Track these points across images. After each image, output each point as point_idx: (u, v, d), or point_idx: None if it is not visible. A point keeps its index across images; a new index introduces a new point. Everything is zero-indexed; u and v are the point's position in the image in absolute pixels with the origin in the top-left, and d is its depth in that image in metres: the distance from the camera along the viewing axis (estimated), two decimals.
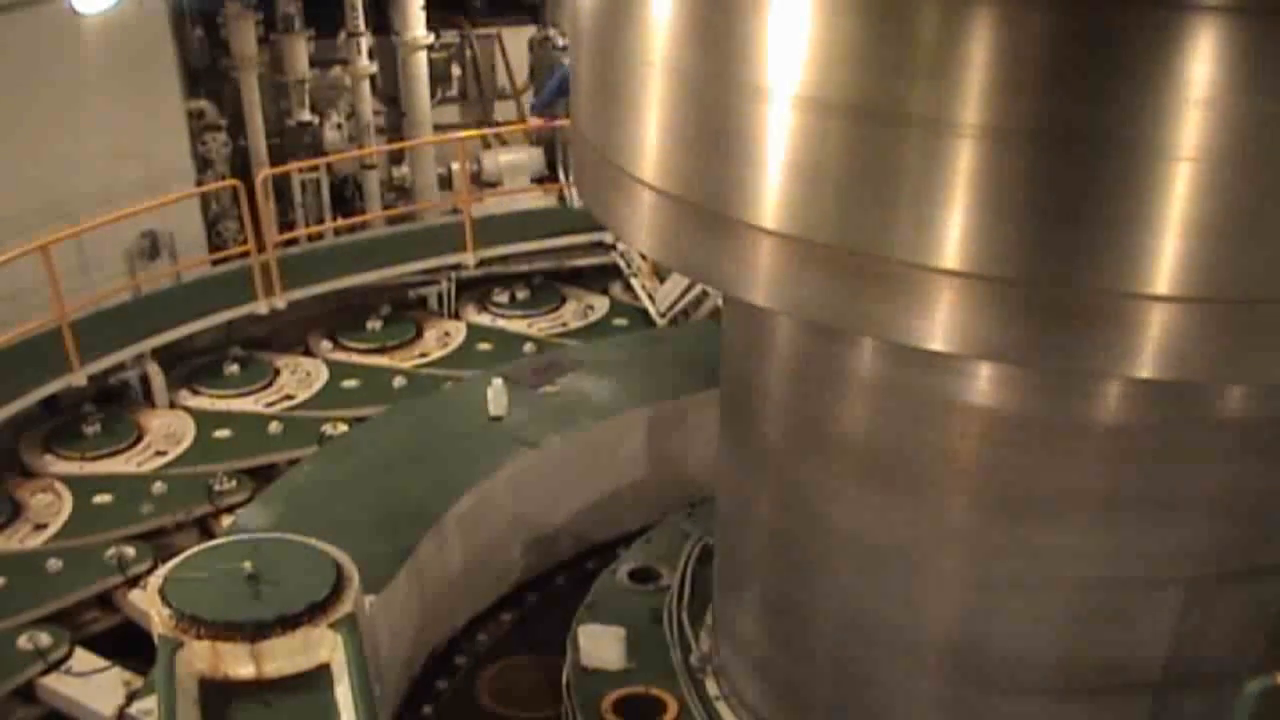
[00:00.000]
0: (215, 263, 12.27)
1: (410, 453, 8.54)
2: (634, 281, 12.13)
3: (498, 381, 9.00)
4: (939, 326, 3.88)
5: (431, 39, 14.83)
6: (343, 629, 5.76)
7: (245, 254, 11.26)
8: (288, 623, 5.72)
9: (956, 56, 3.54)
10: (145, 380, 10.47)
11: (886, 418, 5.01)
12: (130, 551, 8.48)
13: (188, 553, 6.30)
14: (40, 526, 8.93)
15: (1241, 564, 4.93)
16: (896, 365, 4.85)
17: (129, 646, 7.89)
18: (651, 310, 11.63)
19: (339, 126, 15.13)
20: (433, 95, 15.37)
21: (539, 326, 11.88)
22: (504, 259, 12.30)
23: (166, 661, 5.64)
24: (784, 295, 4.22)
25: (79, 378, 9.86)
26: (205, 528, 9.09)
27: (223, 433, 10.06)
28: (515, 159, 15.73)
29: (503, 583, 8.63)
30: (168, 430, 10.10)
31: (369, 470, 8.37)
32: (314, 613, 5.78)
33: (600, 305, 12.24)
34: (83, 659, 7.72)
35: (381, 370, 11.05)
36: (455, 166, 14.44)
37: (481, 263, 12.12)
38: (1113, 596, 5.00)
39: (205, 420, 10.24)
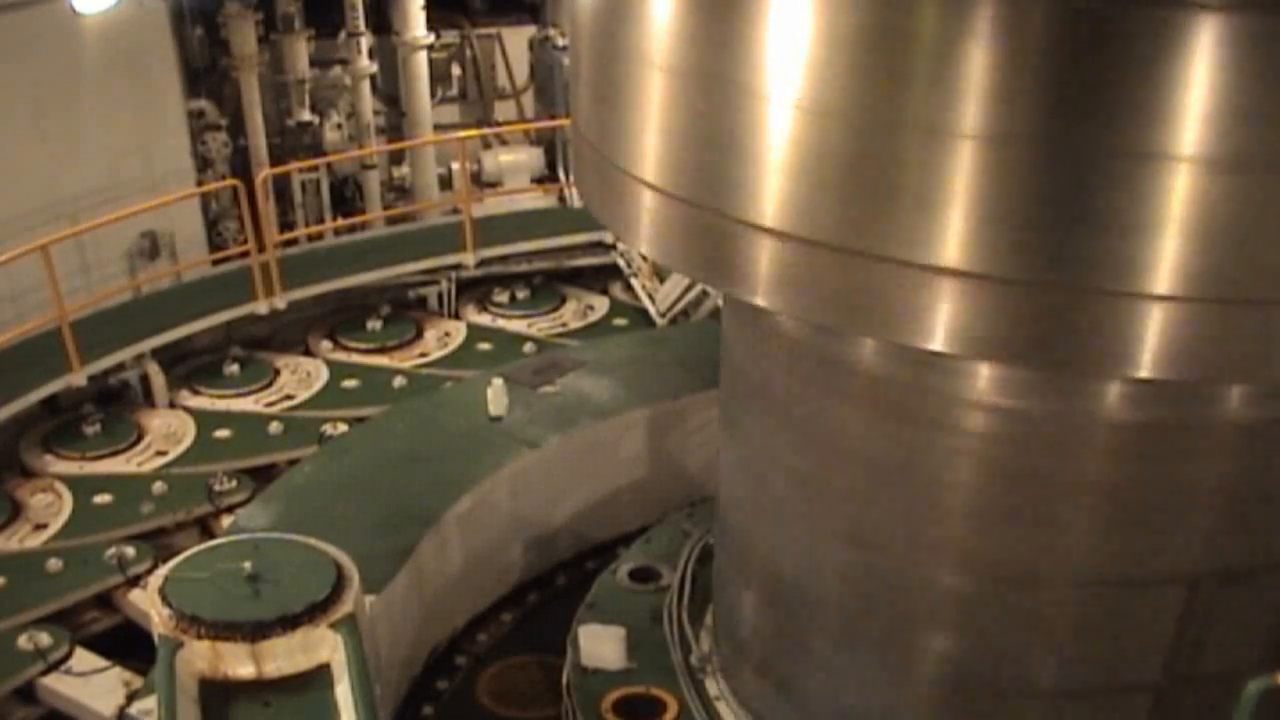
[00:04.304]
0: (215, 263, 12.27)
1: (410, 453, 8.53)
2: (634, 281, 12.13)
3: (498, 381, 8.99)
4: (939, 326, 3.89)
5: (431, 39, 14.83)
6: (343, 629, 5.76)
7: (245, 254, 11.26)
8: (288, 623, 5.72)
9: (956, 59, 3.55)
10: (145, 380, 10.47)
11: (886, 417, 5.01)
12: (130, 551, 8.48)
13: (188, 553, 6.30)
14: (40, 526, 8.93)
15: (1242, 564, 4.93)
16: (896, 365, 4.85)
17: (129, 646, 7.88)
18: (651, 310, 11.63)
19: (339, 126, 15.13)
20: (433, 95, 15.37)
21: (539, 326, 11.88)
22: (504, 259, 12.30)
23: (166, 661, 5.64)
24: (784, 295, 4.22)
25: (79, 378, 9.86)
26: (205, 528, 9.09)
27: (223, 433, 10.06)
28: (515, 159, 15.74)
29: (503, 583, 8.63)
30: (168, 430, 10.10)
31: (369, 470, 8.36)
32: (314, 613, 5.78)
33: (600, 305, 12.25)
34: (83, 659, 7.71)
35: (381, 370, 11.05)
36: (455, 166, 14.44)
37: (481, 263, 12.12)
38: (1113, 596, 5.00)
39: (205, 420, 10.24)
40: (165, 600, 5.84)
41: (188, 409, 10.44)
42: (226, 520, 8.74)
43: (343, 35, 14.57)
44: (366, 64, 14.60)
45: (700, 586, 7.13)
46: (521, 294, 12.33)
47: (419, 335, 11.72)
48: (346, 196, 15.28)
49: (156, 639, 5.80)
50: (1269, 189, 3.47)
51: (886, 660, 5.54)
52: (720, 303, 7.91)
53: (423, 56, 14.81)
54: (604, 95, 4.71)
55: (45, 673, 7.60)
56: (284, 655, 5.74)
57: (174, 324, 10.67)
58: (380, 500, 7.98)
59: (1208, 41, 3.31)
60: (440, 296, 12.15)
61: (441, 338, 11.69)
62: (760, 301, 4.29)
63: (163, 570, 6.14)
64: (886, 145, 3.75)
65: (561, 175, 15.39)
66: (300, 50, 14.62)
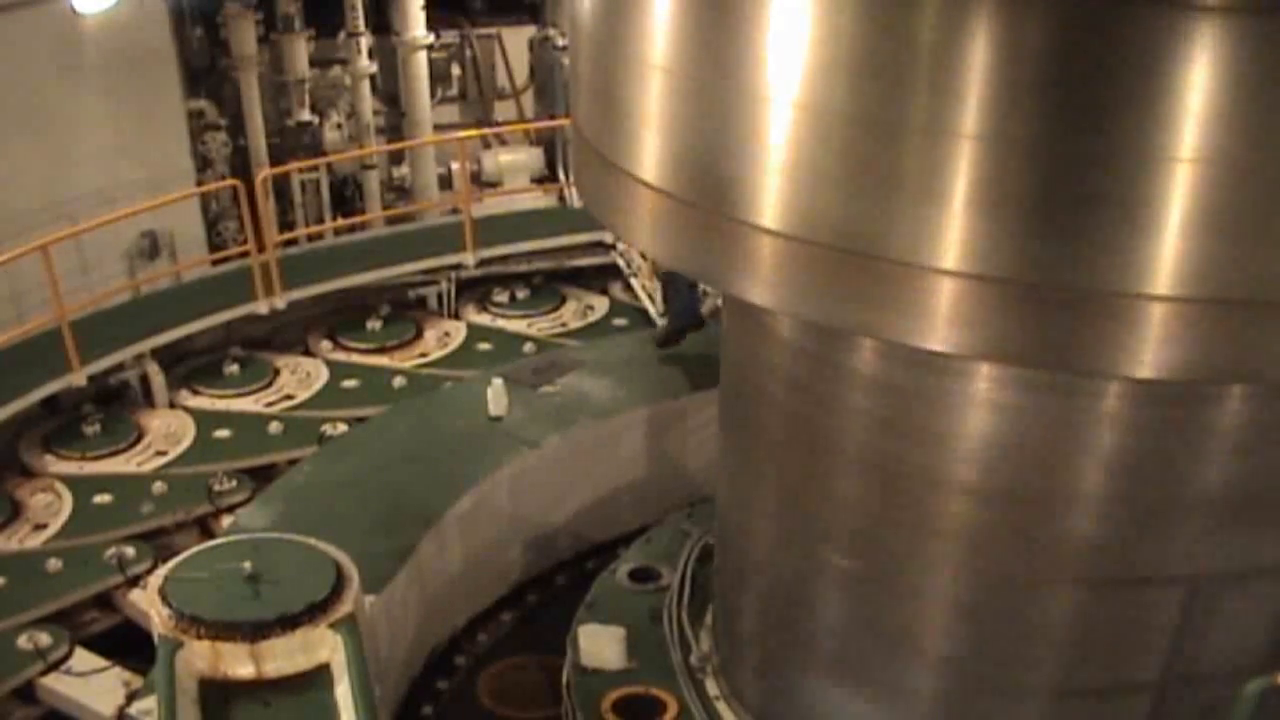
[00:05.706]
0: (215, 263, 12.27)
1: (410, 453, 8.53)
2: (634, 281, 12.13)
3: (498, 381, 8.99)
4: (939, 326, 3.88)
5: (431, 39, 14.84)
6: (343, 629, 5.76)
7: (245, 254, 11.25)
8: (287, 623, 5.71)
9: (956, 59, 3.54)
10: (145, 380, 10.46)
11: (886, 416, 5.00)
12: (130, 551, 8.47)
13: (188, 553, 6.30)
14: (40, 526, 8.92)
15: (1241, 564, 4.93)
16: (896, 364, 4.85)
17: (129, 646, 7.88)
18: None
19: (339, 126, 15.14)
20: (433, 95, 15.37)
21: (539, 326, 11.87)
22: (504, 259, 12.29)
23: (166, 661, 5.64)
24: (784, 295, 4.22)
25: (79, 378, 9.85)
26: (205, 528, 9.08)
27: (223, 433, 10.06)
28: (515, 159, 15.75)
29: (503, 583, 8.63)
30: (168, 430, 10.10)
31: (369, 470, 8.36)
32: (314, 613, 5.78)
33: (600, 305, 12.24)
34: (83, 659, 7.71)
35: (381, 370, 11.04)
36: (455, 166, 14.45)
37: (481, 263, 12.12)
38: (1113, 596, 5.00)
39: (205, 420, 10.23)
40: (165, 600, 5.84)
41: (188, 409, 10.43)
42: (226, 520, 8.74)
43: (343, 35, 14.58)
44: (366, 64, 14.61)
45: (700, 586, 7.13)
46: (521, 294, 12.32)
47: (419, 335, 11.71)
48: (346, 196, 15.28)
49: (156, 639, 5.80)
50: (1269, 189, 3.47)
51: (886, 660, 5.54)
52: (720, 303, 7.91)
53: (423, 56, 14.81)
54: (604, 95, 4.71)
55: (45, 673, 7.60)
56: (284, 655, 5.74)
57: (174, 324, 10.65)
58: (380, 500, 7.97)
59: (1208, 42, 3.31)
60: (440, 296, 12.14)
61: (441, 338, 11.69)
62: (760, 301, 4.29)
63: (163, 570, 6.14)
64: (887, 145, 3.74)
65: (561, 175, 15.40)
66: (300, 50, 14.62)
